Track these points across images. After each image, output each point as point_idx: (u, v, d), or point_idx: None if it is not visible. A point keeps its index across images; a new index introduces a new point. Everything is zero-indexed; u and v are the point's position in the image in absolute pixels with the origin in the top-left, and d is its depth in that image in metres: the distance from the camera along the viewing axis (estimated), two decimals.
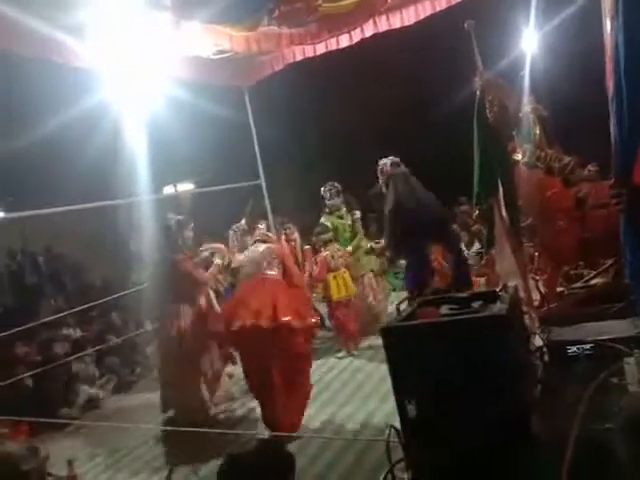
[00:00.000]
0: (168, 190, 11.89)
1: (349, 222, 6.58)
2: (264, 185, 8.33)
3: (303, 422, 4.14)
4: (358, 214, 6.67)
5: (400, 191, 4.51)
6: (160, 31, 5.16)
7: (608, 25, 5.05)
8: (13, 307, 8.66)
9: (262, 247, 4.50)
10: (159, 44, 5.45)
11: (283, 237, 6.90)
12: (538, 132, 5.16)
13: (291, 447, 2.83)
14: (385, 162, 4.88)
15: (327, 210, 6.69)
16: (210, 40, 5.59)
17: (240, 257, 4.78)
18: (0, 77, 6.60)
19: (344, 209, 6.55)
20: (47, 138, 7.57)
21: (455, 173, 5.98)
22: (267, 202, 8.14)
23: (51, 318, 6.92)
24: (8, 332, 6.00)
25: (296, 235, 7.14)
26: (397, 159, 4.81)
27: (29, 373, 5.89)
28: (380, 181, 4.86)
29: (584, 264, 5.17)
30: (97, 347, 6.71)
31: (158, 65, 5.94)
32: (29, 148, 7.91)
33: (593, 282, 4.73)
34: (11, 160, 8.31)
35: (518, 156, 4.67)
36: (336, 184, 6.52)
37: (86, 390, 6.06)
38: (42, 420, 5.17)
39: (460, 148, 4.70)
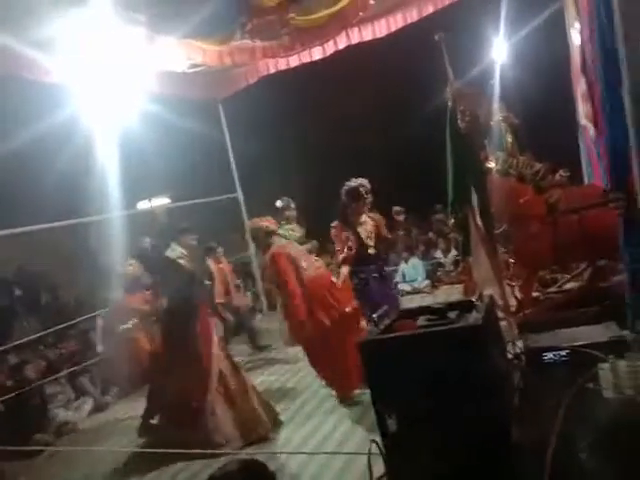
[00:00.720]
0: (143, 205, 11.76)
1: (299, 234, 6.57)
2: (241, 198, 8.32)
3: (282, 438, 4.15)
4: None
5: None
6: (133, 45, 5.14)
7: (573, 33, 5.20)
8: None
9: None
10: (132, 58, 5.42)
11: (212, 260, 6.96)
12: (510, 140, 5.24)
13: (272, 464, 2.79)
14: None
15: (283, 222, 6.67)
16: (183, 54, 5.58)
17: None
18: None
19: (295, 222, 6.54)
20: (17, 154, 7.42)
21: (430, 182, 6.04)
22: (244, 215, 8.12)
23: (23, 340, 6.75)
24: None
25: (223, 259, 7.29)
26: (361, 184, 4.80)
27: (0, 398, 5.71)
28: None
29: (558, 268, 5.25)
30: (72, 368, 6.54)
31: (131, 79, 5.90)
32: None
33: (568, 286, 4.80)
34: None
35: (491, 164, 4.73)
36: (289, 199, 6.47)
37: (61, 413, 5.89)
38: (14, 448, 5.00)
39: (434, 157, 4.75)
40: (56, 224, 6.50)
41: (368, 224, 4.74)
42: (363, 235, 4.67)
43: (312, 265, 4.51)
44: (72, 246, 8.89)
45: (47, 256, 9.25)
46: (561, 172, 5.83)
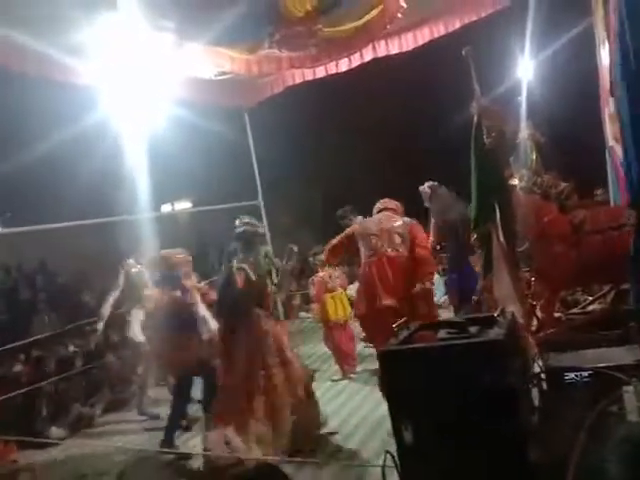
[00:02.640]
0: (166, 208, 11.91)
1: None
2: (262, 205, 8.37)
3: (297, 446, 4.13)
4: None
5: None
6: (162, 51, 5.23)
7: (602, 52, 5.16)
8: (6, 323, 8.58)
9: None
10: (161, 64, 5.52)
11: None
12: (535, 158, 5.21)
13: (286, 470, 2.79)
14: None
15: None
16: (211, 61, 5.65)
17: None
18: (2, 96, 6.64)
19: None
20: (47, 155, 7.60)
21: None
22: (265, 222, 8.16)
23: (44, 335, 6.86)
24: (1, 348, 5.95)
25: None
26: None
27: (19, 391, 5.81)
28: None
29: (581, 290, 5.17)
30: (90, 364, 6.63)
31: (159, 85, 6.00)
32: (29, 165, 7.95)
33: (591, 308, 4.72)
34: (11, 177, 8.32)
35: (515, 181, 4.70)
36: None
37: (77, 408, 5.97)
38: (30, 439, 5.09)
39: (457, 171, 4.73)
40: (80, 222, 6.61)
41: None
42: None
43: None
44: (96, 245, 9.03)
45: (71, 254, 9.43)
46: (598, 191, 5.75)
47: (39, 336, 6.82)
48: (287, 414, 4.04)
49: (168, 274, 4.93)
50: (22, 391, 5.81)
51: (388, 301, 4.36)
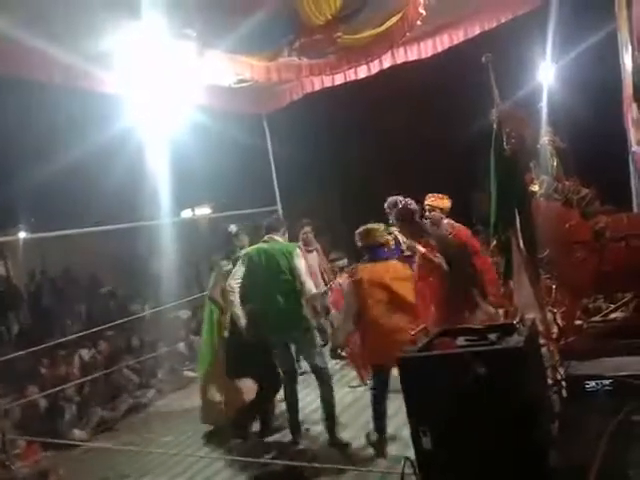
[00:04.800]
0: (186, 214, 12.04)
1: None
2: (280, 211, 8.42)
3: (316, 452, 4.14)
4: None
5: None
6: (184, 59, 5.32)
7: (626, 57, 5.11)
8: (30, 327, 8.76)
9: None
10: (183, 72, 5.62)
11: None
12: (555, 164, 5.16)
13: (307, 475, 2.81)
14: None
15: None
16: (232, 69, 5.72)
17: None
18: (30, 106, 6.82)
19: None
20: (72, 163, 7.76)
21: (471, 203, 5.99)
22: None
23: (67, 339, 6.98)
24: (24, 351, 6.07)
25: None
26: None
27: (43, 393, 5.93)
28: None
29: (603, 297, 5.10)
30: (111, 368, 6.73)
31: (181, 92, 6.10)
32: (54, 172, 8.12)
33: (612, 316, 4.65)
34: (37, 184, 8.52)
35: (535, 187, 4.67)
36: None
37: (98, 412, 6.06)
38: (53, 441, 5.19)
39: (477, 178, 4.72)
40: (102, 228, 6.74)
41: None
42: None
43: None
44: (118, 250, 9.18)
45: (94, 259, 9.59)
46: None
47: (62, 339, 6.94)
48: None
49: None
50: (45, 394, 5.91)
51: None
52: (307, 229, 6.67)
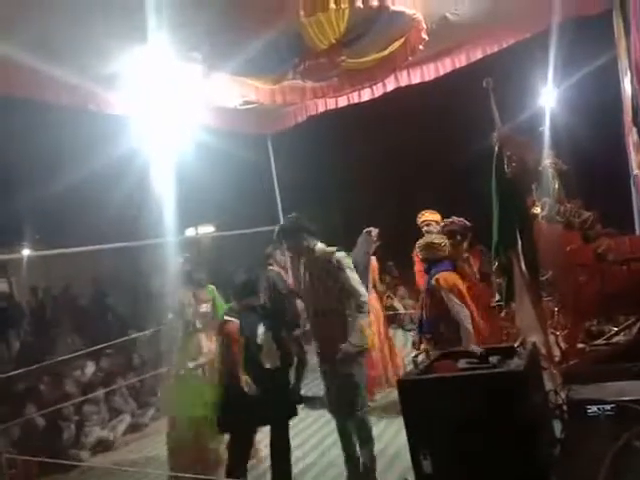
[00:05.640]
0: (189, 232, 12.08)
1: None
2: None
3: (314, 475, 4.05)
4: None
5: None
6: (190, 81, 5.41)
7: (626, 82, 5.17)
8: (31, 344, 8.73)
9: None
10: (189, 93, 5.70)
11: None
12: (557, 186, 5.18)
13: None
14: None
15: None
16: (237, 91, 5.81)
17: None
18: (34, 123, 6.91)
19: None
20: (77, 181, 7.83)
21: (474, 225, 6.00)
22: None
23: (67, 357, 6.96)
24: (24, 369, 6.05)
25: None
26: None
27: (41, 412, 5.88)
28: None
29: (605, 320, 5.08)
30: (111, 387, 6.69)
31: (186, 112, 6.18)
32: (59, 190, 8.19)
33: (615, 339, 4.63)
34: (42, 201, 8.58)
35: (537, 210, 4.68)
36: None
37: (96, 431, 6.01)
38: (50, 460, 5.13)
39: (479, 200, 4.74)
40: (105, 246, 6.77)
41: None
42: None
43: None
44: (121, 268, 9.19)
45: (96, 276, 9.60)
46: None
47: (62, 357, 6.92)
48: None
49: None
50: (44, 412, 5.87)
51: None
52: None
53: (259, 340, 3.80)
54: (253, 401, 3.65)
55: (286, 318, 5.16)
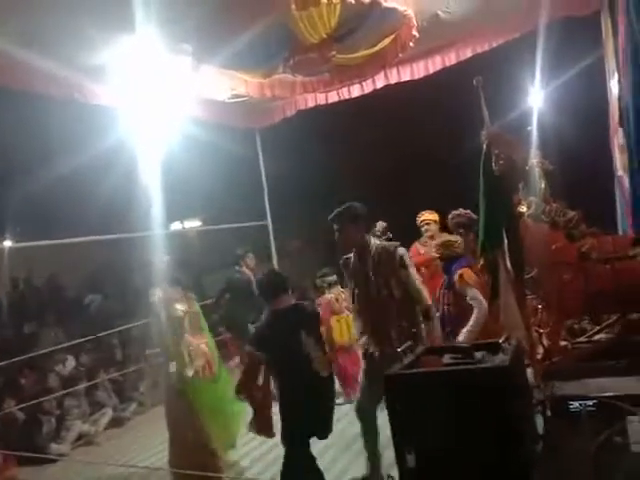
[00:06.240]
0: (175, 226, 12.00)
1: None
2: (270, 226, 8.43)
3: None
4: None
5: None
6: (179, 74, 5.36)
7: (613, 83, 5.23)
8: (11, 337, 8.61)
9: None
10: (177, 86, 5.65)
11: None
12: (543, 186, 5.22)
13: None
14: None
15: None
16: (227, 84, 5.76)
17: None
18: (22, 116, 6.80)
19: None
20: (63, 172, 7.74)
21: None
22: (272, 243, 8.21)
23: (48, 350, 6.88)
24: (4, 362, 5.96)
25: None
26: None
27: (21, 405, 5.81)
28: None
29: (588, 319, 5.14)
30: (93, 381, 6.63)
31: (175, 105, 6.13)
32: (44, 181, 8.09)
33: (597, 337, 4.69)
34: (25, 192, 8.47)
35: (523, 208, 4.71)
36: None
37: (78, 425, 5.95)
38: (30, 455, 5.06)
39: (467, 197, 4.76)
40: (90, 238, 6.69)
41: None
42: None
43: None
44: (106, 261, 9.10)
45: (81, 269, 9.49)
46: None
47: (44, 350, 6.84)
48: None
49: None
50: (24, 405, 5.80)
51: None
52: None
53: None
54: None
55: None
